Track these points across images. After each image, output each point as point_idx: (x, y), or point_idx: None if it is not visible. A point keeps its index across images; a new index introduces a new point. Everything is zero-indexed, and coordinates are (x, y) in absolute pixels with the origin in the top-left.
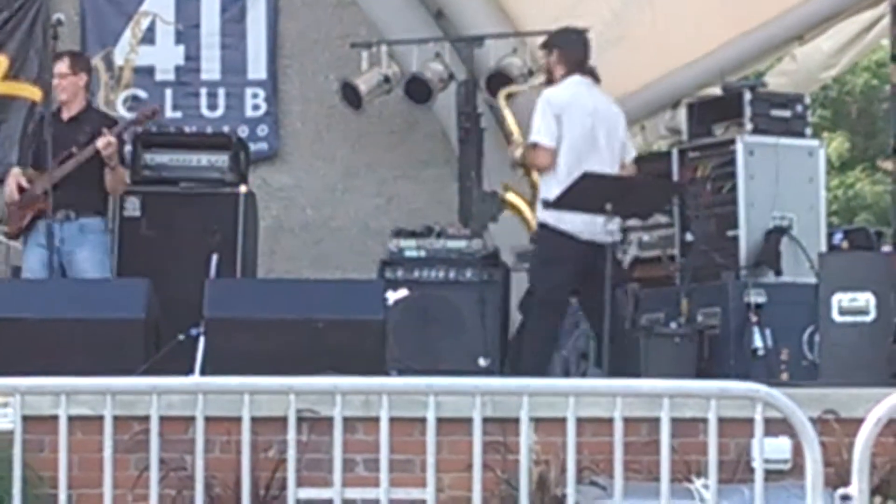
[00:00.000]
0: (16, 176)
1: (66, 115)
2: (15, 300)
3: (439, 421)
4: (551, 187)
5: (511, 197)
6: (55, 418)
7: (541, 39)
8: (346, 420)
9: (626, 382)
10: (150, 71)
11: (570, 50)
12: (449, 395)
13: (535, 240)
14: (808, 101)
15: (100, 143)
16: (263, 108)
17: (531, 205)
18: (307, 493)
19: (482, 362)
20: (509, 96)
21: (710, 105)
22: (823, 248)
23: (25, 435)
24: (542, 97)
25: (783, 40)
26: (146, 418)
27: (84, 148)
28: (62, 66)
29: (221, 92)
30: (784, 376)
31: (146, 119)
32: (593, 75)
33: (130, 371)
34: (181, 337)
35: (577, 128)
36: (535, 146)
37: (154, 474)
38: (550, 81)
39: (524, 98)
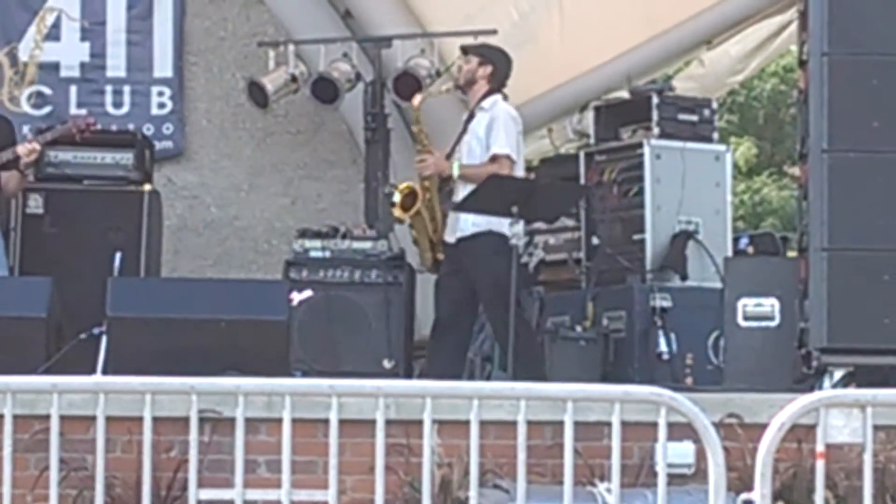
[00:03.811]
0: None
1: None
2: None
3: (342, 423)
4: None
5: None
6: None
7: (452, 41)
8: (248, 421)
9: (530, 386)
10: (55, 67)
11: (502, 70)
12: (352, 396)
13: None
14: (715, 105)
15: (23, 149)
16: (169, 106)
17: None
18: (208, 493)
19: (386, 364)
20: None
21: (618, 108)
22: (729, 252)
23: None
24: (509, 113)
25: (691, 44)
26: (47, 417)
27: None
28: None
29: (127, 89)
30: (688, 381)
31: (79, 133)
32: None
33: (31, 370)
34: (83, 336)
35: None
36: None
37: (54, 474)
38: (465, 87)
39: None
